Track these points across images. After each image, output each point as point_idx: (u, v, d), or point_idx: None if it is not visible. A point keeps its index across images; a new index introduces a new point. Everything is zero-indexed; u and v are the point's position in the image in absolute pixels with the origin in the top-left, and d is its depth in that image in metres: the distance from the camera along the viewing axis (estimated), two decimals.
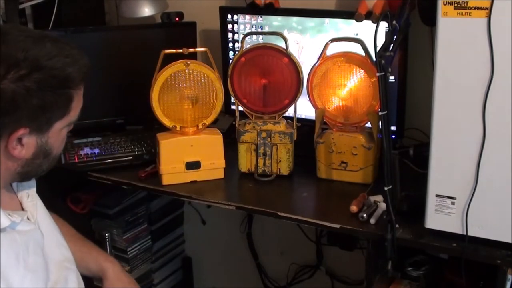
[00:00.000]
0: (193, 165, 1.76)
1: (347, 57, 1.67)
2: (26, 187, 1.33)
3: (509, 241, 1.34)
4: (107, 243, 2.19)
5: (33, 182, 1.35)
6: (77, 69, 1.18)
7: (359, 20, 1.69)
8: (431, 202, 1.40)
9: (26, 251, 1.22)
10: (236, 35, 2.02)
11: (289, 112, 1.79)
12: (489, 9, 1.21)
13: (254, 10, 1.94)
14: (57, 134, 1.23)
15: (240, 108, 1.79)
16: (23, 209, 1.30)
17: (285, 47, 1.72)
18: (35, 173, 1.27)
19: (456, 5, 1.24)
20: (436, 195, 1.39)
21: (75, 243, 1.51)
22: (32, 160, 1.21)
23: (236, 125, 1.79)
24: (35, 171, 1.25)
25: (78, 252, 1.47)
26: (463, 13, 1.24)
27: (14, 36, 1.13)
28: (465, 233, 1.37)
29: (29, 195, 1.33)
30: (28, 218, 1.28)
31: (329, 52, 1.70)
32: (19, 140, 1.16)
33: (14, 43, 1.12)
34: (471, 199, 1.35)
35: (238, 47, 2.00)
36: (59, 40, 1.18)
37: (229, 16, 2.01)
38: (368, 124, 1.72)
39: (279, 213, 1.59)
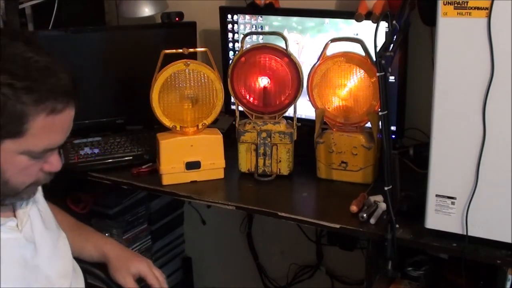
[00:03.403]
0: (193, 165, 1.76)
1: (347, 57, 1.67)
2: None
3: (509, 241, 1.33)
4: None
5: None
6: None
7: (359, 20, 1.69)
8: (431, 202, 1.39)
9: None
10: (236, 35, 2.02)
11: (289, 112, 1.79)
12: (489, 9, 1.21)
13: (254, 10, 1.94)
14: (10, 156, 1.07)
15: (240, 108, 1.79)
16: (15, 216, 1.22)
17: (285, 47, 1.72)
18: None
19: (456, 5, 1.24)
20: (436, 195, 1.39)
21: (74, 232, 1.48)
22: None
23: (236, 125, 1.79)
24: None
25: (78, 241, 1.46)
26: (463, 13, 1.24)
27: None
28: (465, 233, 1.37)
29: (26, 202, 1.25)
30: (17, 226, 1.21)
31: (329, 52, 1.70)
32: None
33: None
34: (471, 199, 1.35)
35: (238, 47, 2.00)
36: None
37: (229, 16, 2.00)
38: (368, 124, 1.72)
39: (279, 213, 1.59)
